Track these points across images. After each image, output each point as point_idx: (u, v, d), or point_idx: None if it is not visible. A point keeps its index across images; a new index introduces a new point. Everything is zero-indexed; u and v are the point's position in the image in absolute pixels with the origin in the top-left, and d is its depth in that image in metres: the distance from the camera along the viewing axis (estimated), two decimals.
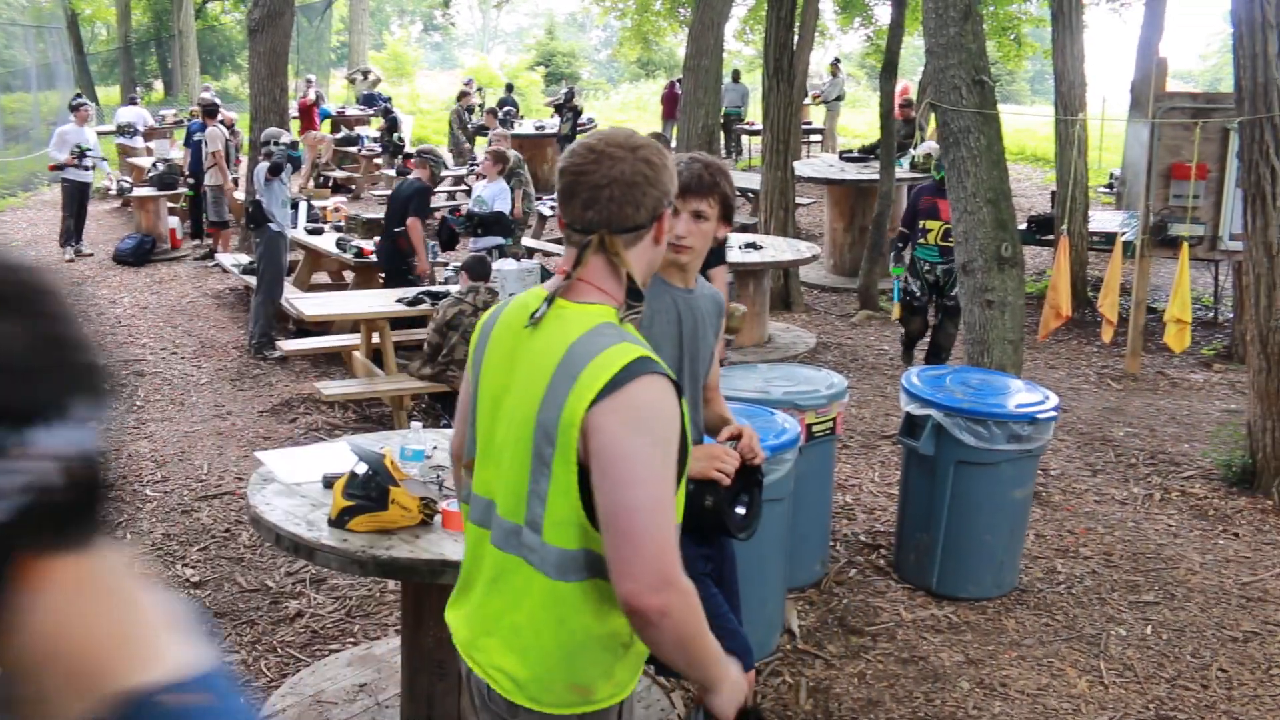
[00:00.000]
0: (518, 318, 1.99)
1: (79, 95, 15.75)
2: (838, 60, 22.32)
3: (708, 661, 1.87)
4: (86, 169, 12.30)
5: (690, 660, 1.84)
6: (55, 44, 24.86)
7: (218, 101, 13.44)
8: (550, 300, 1.91)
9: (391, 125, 17.33)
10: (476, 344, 2.08)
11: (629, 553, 1.74)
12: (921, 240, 7.67)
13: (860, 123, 26.66)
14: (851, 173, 12.00)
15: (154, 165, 13.50)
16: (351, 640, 4.37)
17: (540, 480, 1.85)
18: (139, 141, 16.64)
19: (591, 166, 1.89)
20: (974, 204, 5.88)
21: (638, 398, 1.78)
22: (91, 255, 12.32)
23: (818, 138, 20.72)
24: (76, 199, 12.31)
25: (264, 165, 8.54)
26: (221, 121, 12.73)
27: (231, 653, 4.25)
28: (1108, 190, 14.20)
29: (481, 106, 19.50)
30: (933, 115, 6.36)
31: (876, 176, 11.00)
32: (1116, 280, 8.16)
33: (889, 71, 10.85)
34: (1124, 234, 9.13)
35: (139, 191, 13.28)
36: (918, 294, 7.80)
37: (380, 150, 17.20)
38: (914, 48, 25.94)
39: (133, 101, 19.38)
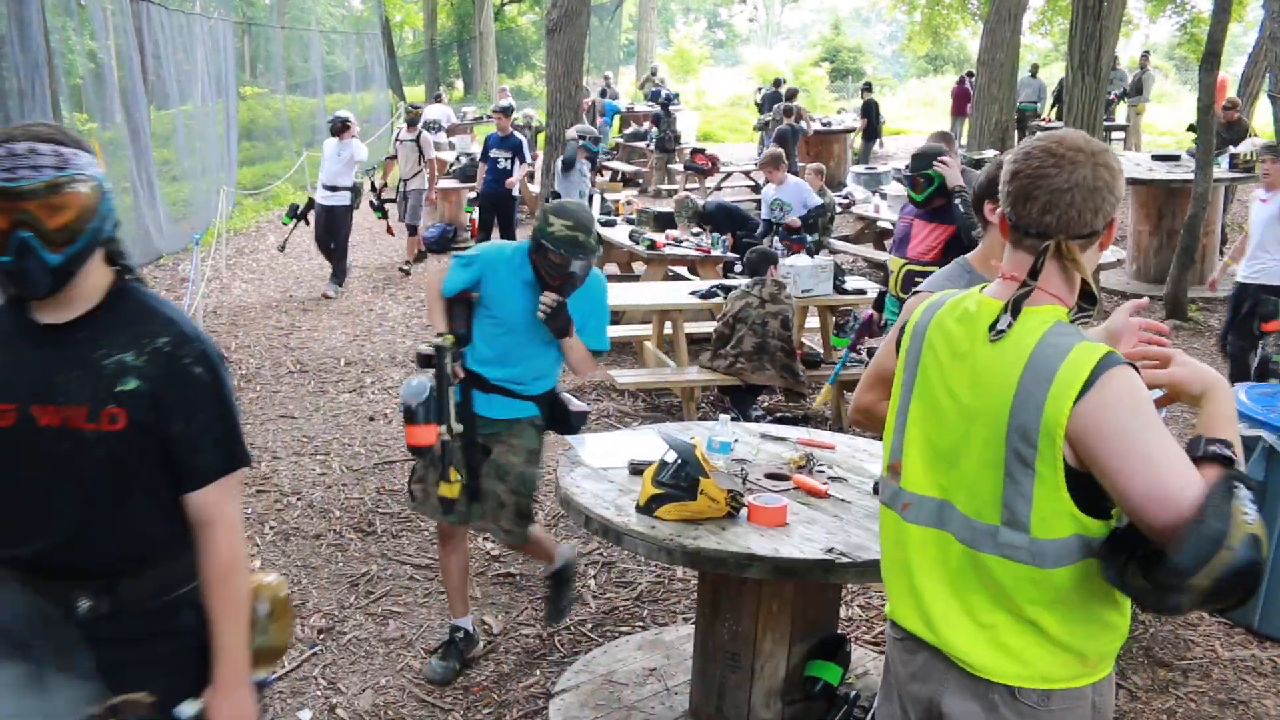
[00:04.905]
0: (967, 324, 1.97)
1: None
2: (1147, 53, 20.98)
3: None
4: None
5: None
6: (371, 48, 26.75)
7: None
8: (1015, 312, 1.89)
9: (658, 119, 17.33)
10: (909, 345, 2.07)
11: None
12: None
13: (1167, 119, 25.01)
14: (1160, 172, 11.21)
15: (456, 159, 14.30)
16: (640, 625, 4.47)
17: (1021, 481, 1.84)
18: (443, 137, 17.66)
19: (1052, 170, 1.86)
20: None
21: (1116, 391, 1.77)
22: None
23: (1119, 135, 19.56)
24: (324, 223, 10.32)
25: (583, 163, 8.76)
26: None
27: (527, 626, 4.44)
28: None
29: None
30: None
31: (1189, 176, 10.21)
32: None
33: (1210, 62, 10.04)
34: None
35: (443, 184, 14.02)
36: None
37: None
38: (1229, 36, 24.09)
39: (438, 99, 20.64)
